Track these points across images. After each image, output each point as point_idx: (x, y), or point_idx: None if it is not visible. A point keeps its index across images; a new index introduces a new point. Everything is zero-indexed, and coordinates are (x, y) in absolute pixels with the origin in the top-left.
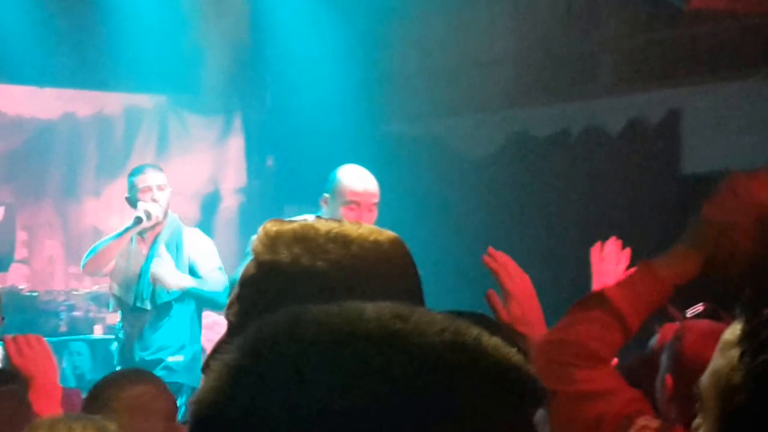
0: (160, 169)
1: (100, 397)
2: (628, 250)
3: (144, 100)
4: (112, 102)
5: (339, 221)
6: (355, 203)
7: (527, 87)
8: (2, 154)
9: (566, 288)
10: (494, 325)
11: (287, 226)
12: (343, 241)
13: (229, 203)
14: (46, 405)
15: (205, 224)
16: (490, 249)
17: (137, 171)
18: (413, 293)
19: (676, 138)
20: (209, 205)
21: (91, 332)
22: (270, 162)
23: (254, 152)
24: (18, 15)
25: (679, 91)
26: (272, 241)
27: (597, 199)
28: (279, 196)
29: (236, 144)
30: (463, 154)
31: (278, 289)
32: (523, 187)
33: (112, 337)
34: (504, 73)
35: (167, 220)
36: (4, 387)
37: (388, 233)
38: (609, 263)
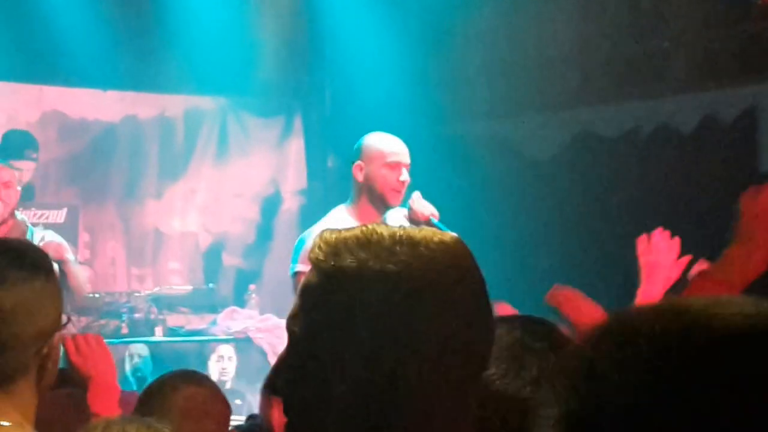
0: (11, 166)
1: (153, 398)
2: (677, 240)
3: (205, 102)
4: (173, 104)
5: (400, 226)
6: (395, 162)
7: (594, 85)
8: (66, 157)
9: (633, 293)
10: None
11: (348, 233)
12: (410, 243)
13: (290, 205)
14: (104, 406)
15: (266, 226)
16: (555, 288)
17: None
18: (478, 293)
19: (751, 137)
20: (269, 207)
21: (152, 334)
22: (330, 163)
23: (315, 153)
24: (81, 18)
25: (754, 89)
26: (334, 249)
27: (668, 201)
28: (340, 197)
29: (296, 145)
30: (526, 154)
31: (348, 296)
32: (589, 189)
33: (174, 339)
34: (569, 70)
35: (14, 220)
36: (63, 388)
37: (450, 234)
38: (658, 254)
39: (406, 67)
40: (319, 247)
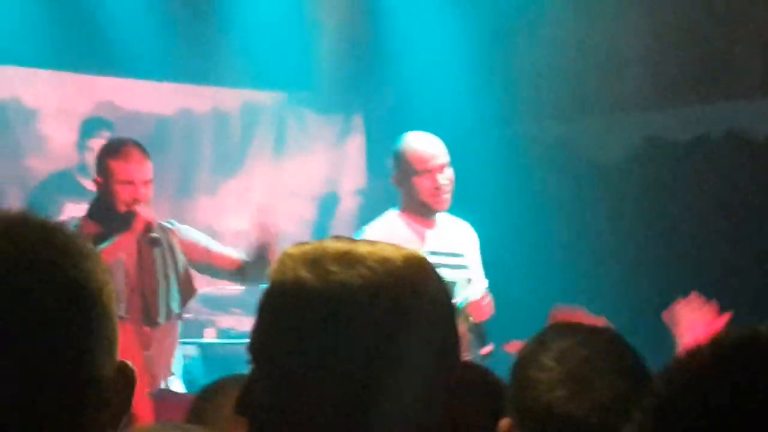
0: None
1: (204, 405)
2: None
3: (262, 97)
4: (230, 98)
5: (350, 240)
6: (429, 169)
7: (663, 87)
8: None
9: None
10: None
11: (301, 248)
12: (348, 260)
13: (348, 205)
14: (135, 408)
15: (322, 226)
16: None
17: None
18: (427, 312)
19: None
20: (326, 206)
21: (203, 336)
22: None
23: (375, 152)
24: (136, 9)
25: None
26: (282, 262)
27: (739, 209)
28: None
29: (356, 143)
30: (592, 157)
31: (286, 314)
32: (656, 194)
33: (225, 341)
34: (638, 72)
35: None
36: None
37: (405, 251)
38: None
39: (471, 65)
40: (278, 260)
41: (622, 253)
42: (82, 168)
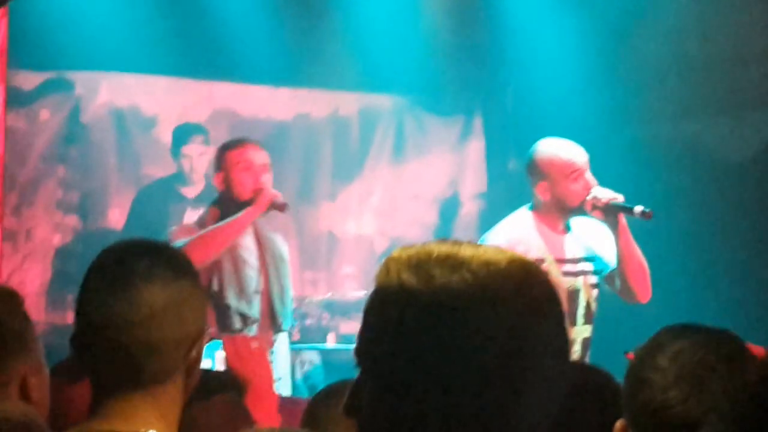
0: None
1: (320, 408)
2: None
3: (380, 101)
4: (348, 102)
5: (454, 243)
6: (579, 172)
7: None
8: None
9: None
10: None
11: (406, 251)
12: (451, 264)
13: (469, 209)
14: (263, 413)
15: (444, 230)
16: None
17: None
18: (531, 316)
19: None
20: (448, 210)
21: (324, 341)
22: (512, 165)
23: (495, 155)
24: (251, 13)
25: None
26: (386, 266)
27: None
28: (521, 201)
29: (476, 146)
30: (718, 157)
31: (389, 318)
32: None
33: (347, 346)
34: (764, 69)
35: None
36: (220, 393)
37: (510, 254)
38: None
39: (592, 65)
40: (383, 264)
41: (752, 253)
42: (179, 176)
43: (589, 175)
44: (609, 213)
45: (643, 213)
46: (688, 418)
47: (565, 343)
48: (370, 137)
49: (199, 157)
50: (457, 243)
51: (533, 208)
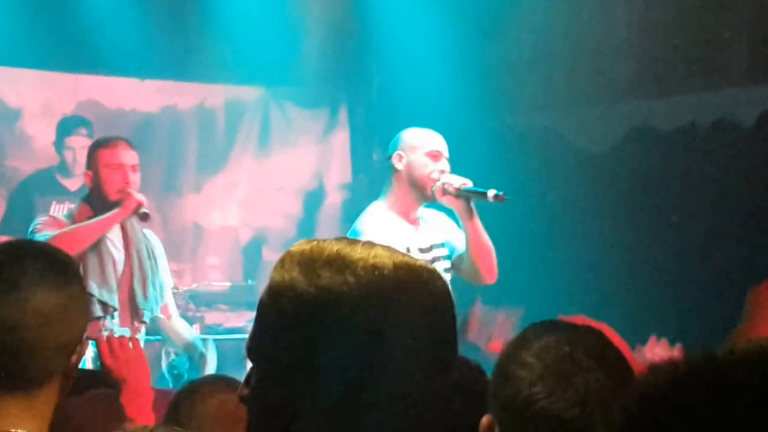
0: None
1: (183, 405)
2: None
3: (246, 93)
4: (214, 94)
5: (350, 242)
6: (437, 152)
7: (650, 76)
8: None
9: (691, 289)
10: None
11: (301, 247)
12: (338, 265)
13: (334, 199)
14: (138, 410)
15: (308, 221)
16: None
17: None
18: (412, 319)
19: None
20: (312, 201)
21: None
22: (376, 156)
23: (360, 146)
24: (118, 7)
25: None
26: (282, 261)
27: (726, 198)
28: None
29: (341, 137)
30: (580, 148)
31: (275, 311)
32: (644, 184)
33: (212, 337)
34: (625, 61)
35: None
36: (95, 390)
37: (399, 257)
38: None
39: (456, 57)
40: (279, 259)
41: (611, 244)
42: (62, 167)
43: (446, 163)
44: (461, 198)
45: (496, 196)
46: (553, 412)
47: (452, 342)
48: (235, 129)
49: (82, 150)
50: (352, 242)
51: (384, 198)
